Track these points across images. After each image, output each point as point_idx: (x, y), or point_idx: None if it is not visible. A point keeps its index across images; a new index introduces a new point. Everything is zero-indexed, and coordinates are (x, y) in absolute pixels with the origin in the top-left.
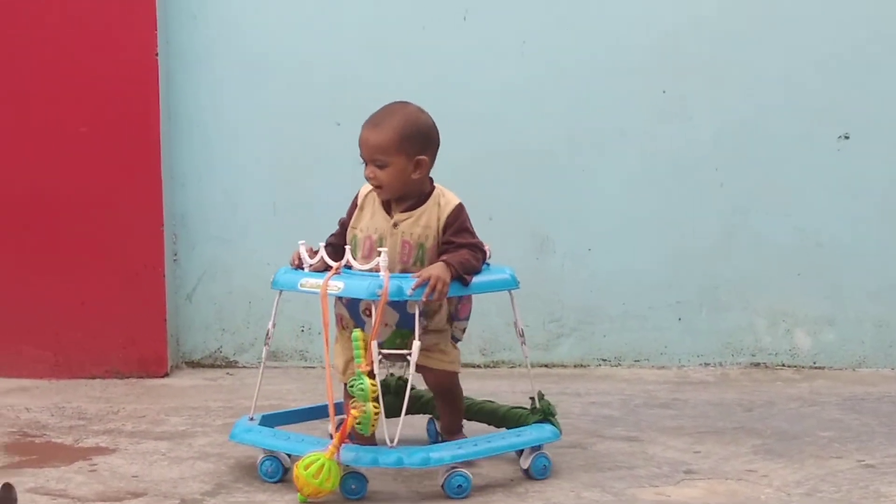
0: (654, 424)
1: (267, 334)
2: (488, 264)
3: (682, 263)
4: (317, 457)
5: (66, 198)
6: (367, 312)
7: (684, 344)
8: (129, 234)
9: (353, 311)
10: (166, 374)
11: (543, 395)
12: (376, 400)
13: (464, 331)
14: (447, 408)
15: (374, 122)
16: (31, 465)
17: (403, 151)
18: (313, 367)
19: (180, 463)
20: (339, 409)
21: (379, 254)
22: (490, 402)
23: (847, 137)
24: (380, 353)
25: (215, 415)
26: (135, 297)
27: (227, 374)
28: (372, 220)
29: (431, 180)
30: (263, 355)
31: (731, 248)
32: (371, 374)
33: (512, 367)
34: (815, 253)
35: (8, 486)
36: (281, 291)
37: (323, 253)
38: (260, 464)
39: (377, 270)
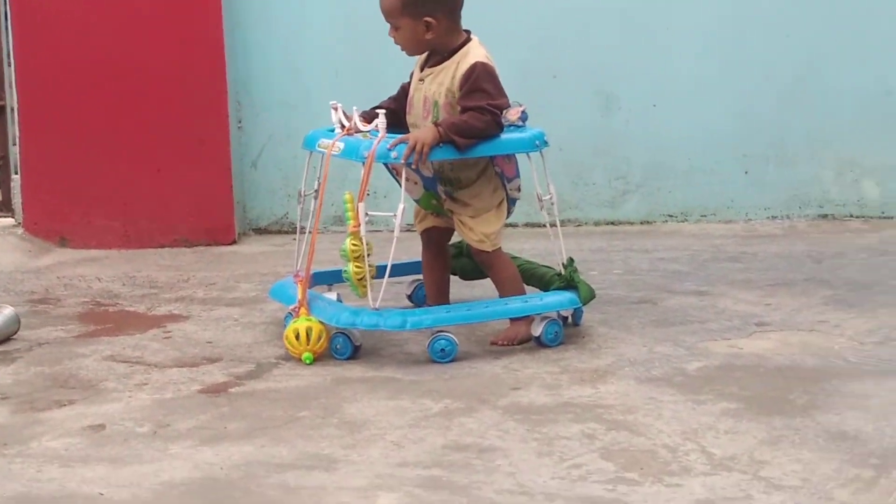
0: (724, 278)
1: (299, 194)
2: (520, 126)
3: (749, 117)
4: (299, 321)
5: (132, 69)
6: (395, 172)
7: (751, 197)
8: (194, 103)
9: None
10: (234, 242)
11: (573, 262)
12: (359, 259)
13: (518, 189)
14: (492, 280)
15: None
16: (106, 333)
17: (408, 14)
18: (380, 231)
19: (253, 328)
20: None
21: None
22: (546, 267)
23: None
24: (367, 213)
25: None
26: (201, 165)
27: (294, 239)
28: (414, 76)
29: (468, 33)
30: (298, 215)
31: (797, 100)
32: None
33: (578, 225)
34: (883, 102)
35: None
36: (311, 152)
37: (341, 115)
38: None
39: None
